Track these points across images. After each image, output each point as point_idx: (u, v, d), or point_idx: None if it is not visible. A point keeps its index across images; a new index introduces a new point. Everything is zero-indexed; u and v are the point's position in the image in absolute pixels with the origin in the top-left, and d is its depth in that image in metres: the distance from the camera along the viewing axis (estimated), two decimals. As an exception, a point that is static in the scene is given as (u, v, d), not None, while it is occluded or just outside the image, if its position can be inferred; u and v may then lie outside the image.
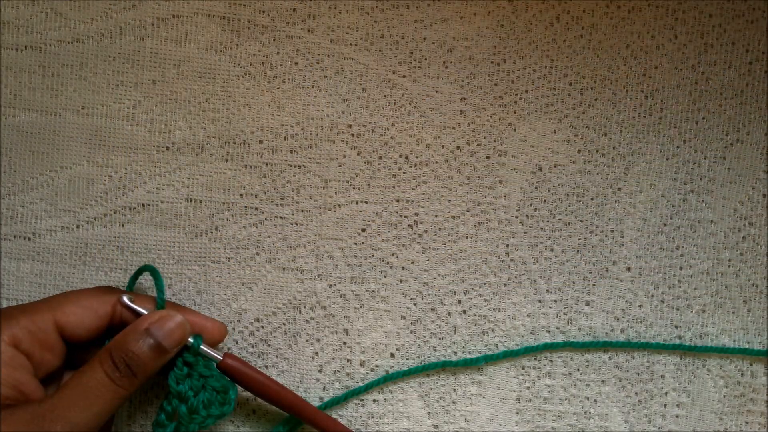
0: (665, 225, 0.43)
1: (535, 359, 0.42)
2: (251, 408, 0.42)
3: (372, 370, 0.42)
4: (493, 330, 0.42)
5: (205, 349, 0.38)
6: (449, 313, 0.42)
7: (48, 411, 0.33)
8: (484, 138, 0.42)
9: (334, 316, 0.42)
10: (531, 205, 0.42)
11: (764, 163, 0.43)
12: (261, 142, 0.42)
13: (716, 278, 0.43)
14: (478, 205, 0.42)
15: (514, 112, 0.42)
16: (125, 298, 0.37)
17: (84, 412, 0.33)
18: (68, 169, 0.41)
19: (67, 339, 0.36)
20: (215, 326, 0.39)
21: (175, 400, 0.37)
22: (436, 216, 0.42)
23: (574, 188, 0.42)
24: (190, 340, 0.37)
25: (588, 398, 0.43)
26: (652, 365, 0.43)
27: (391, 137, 0.42)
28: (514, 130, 0.42)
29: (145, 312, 0.37)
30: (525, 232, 0.42)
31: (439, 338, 0.42)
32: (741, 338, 0.43)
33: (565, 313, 0.43)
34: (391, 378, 0.42)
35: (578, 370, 0.43)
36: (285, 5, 0.41)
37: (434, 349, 0.42)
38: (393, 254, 0.42)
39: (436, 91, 0.42)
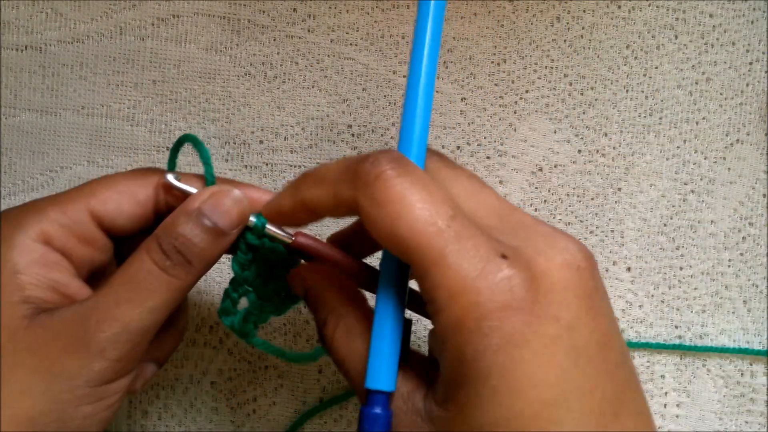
0: (665, 225, 0.43)
1: (535, 359, 0.42)
2: (251, 408, 0.42)
3: (372, 370, 0.42)
4: (493, 330, 0.42)
5: (272, 228, 0.31)
6: (449, 313, 0.42)
7: (92, 310, 0.28)
8: (484, 138, 0.42)
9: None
10: (531, 205, 0.42)
11: (764, 163, 0.43)
12: (261, 142, 0.42)
13: (716, 278, 0.43)
14: (478, 205, 0.42)
15: (514, 112, 0.42)
16: (170, 177, 0.31)
17: (134, 308, 0.28)
18: (68, 169, 0.41)
19: (109, 231, 0.31)
20: None
21: (241, 288, 0.32)
22: (436, 216, 0.42)
23: (574, 188, 0.42)
24: (253, 219, 0.31)
25: (588, 398, 0.43)
26: (652, 365, 0.43)
27: (391, 137, 0.42)
28: (514, 130, 0.42)
29: (194, 191, 0.31)
30: (525, 232, 0.42)
31: (439, 338, 0.42)
32: (741, 338, 0.43)
33: (565, 313, 0.43)
34: (391, 378, 0.42)
35: (578, 370, 0.43)
36: (285, 5, 0.41)
37: (434, 349, 0.42)
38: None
39: (436, 91, 0.42)
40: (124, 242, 0.32)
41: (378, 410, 0.27)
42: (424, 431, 0.26)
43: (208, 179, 0.31)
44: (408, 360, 0.29)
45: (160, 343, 0.33)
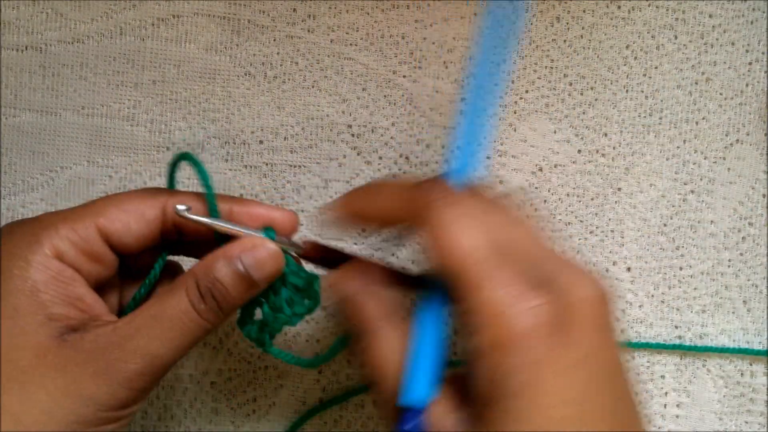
0: (665, 225, 0.43)
1: (535, 359, 0.42)
2: (251, 408, 0.42)
3: (372, 370, 0.42)
4: (493, 330, 0.42)
5: (281, 239, 0.32)
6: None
7: (125, 339, 0.29)
8: (484, 138, 0.42)
9: (334, 316, 0.42)
10: (531, 205, 0.42)
11: (764, 163, 0.43)
12: (261, 142, 0.42)
13: (716, 278, 0.43)
14: (478, 205, 0.42)
15: (514, 112, 0.42)
16: (181, 208, 0.31)
17: (165, 344, 0.29)
18: (68, 169, 0.41)
19: (116, 248, 0.31)
20: (285, 216, 0.33)
21: (255, 299, 0.32)
22: (436, 216, 0.42)
23: (574, 188, 0.42)
24: (262, 233, 0.32)
25: (588, 398, 0.43)
26: (652, 365, 0.43)
27: (391, 137, 0.42)
28: (514, 130, 0.42)
29: (206, 220, 0.31)
30: (525, 232, 0.42)
31: (439, 338, 0.42)
32: (741, 338, 0.43)
33: (565, 313, 0.42)
34: (391, 378, 0.42)
35: (578, 370, 0.43)
36: (285, 5, 0.41)
37: (434, 349, 0.42)
38: (393, 255, 0.42)
39: (436, 91, 0.42)
40: (128, 257, 0.33)
41: (411, 426, 0.28)
42: None
43: (209, 202, 0.32)
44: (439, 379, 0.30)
45: None
